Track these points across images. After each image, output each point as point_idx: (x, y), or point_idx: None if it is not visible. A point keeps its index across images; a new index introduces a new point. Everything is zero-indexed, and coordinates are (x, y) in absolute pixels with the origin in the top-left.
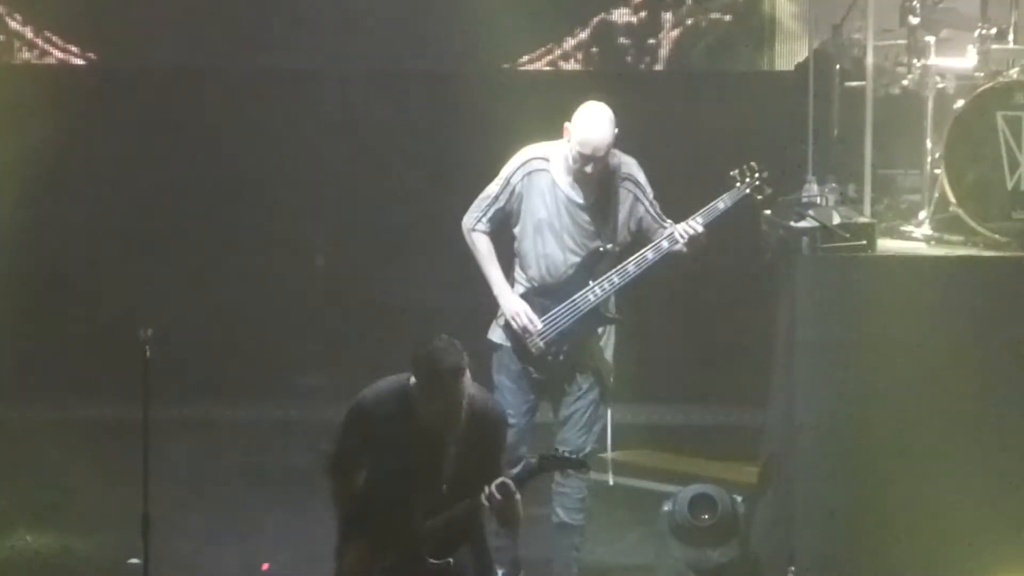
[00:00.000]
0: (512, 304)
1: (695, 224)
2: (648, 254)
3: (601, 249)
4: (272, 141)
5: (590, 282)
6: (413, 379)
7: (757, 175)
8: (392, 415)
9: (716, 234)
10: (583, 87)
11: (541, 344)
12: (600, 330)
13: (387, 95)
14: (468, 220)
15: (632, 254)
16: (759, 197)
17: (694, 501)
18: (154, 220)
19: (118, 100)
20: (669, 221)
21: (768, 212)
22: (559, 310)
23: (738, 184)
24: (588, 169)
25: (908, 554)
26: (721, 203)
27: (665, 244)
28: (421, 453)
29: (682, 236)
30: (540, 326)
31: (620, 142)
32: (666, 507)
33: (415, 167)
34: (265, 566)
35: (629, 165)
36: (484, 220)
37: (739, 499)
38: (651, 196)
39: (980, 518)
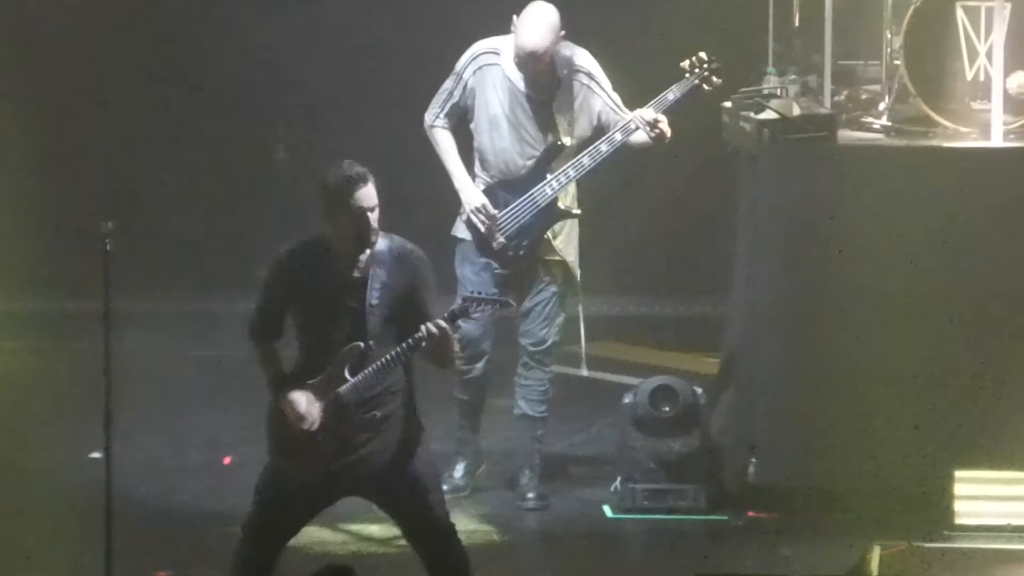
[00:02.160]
0: (472, 198)
1: (645, 113)
2: (602, 146)
3: (558, 143)
4: (233, 30)
5: (547, 176)
6: (324, 214)
7: (706, 65)
8: (311, 263)
9: (676, 126)
10: None
11: (501, 239)
12: (561, 224)
13: None
14: (428, 116)
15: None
16: (707, 88)
17: (655, 393)
18: (115, 112)
19: (82, 5)
20: (628, 113)
21: (729, 104)
22: (517, 204)
23: (687, 75)
24: (528, 67)
25: (868, 445)
26: (671, 94)
27: (618, 136)
28: (343, 300)
29: (635, 126)
30: (500, 220)
31: (577, 33)
32: (627, 399)
33: (372, 59)
34: (227, 460)
35: (582, 56)
36: (442, 116)
37: (700, 391)
38: (609, 88)
39: (939, 408)
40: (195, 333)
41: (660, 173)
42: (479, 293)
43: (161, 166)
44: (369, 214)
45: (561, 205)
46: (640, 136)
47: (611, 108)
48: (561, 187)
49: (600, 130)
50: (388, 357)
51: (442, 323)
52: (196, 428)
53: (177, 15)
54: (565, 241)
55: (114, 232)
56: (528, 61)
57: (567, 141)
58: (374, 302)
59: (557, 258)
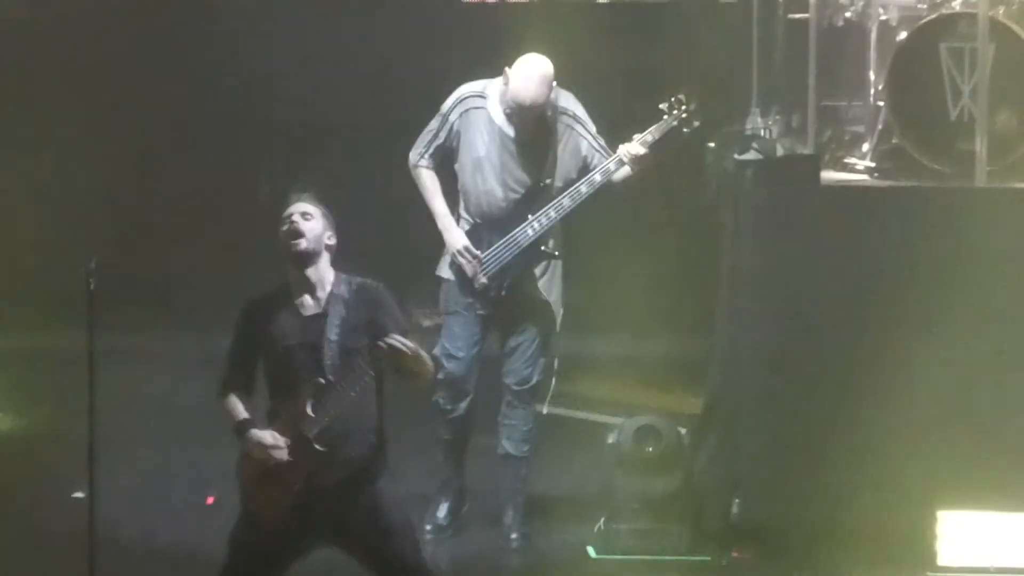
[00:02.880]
0: (456, 239)
1: (632, 148)
2: (583, 187)
3: (541, 184)
4: (217, 69)
5: (528, 216)
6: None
7: (684, 107)
8: (272, 307)
9: (659, 164)
10: (528, 18)
11: (483, 279)
12: (543, 266)
13: (335, 24)
14: (412, 155)
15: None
16: (685, 130)
17: (639, 432)
18: (100, 150)
19: (66, 30)
20: (613, 153)
21: (712, 144)
22: (499, 245)
23: (665, 116)
24: (521, 119)
25: (851, 485)
26: (649, 135)
27: (598, 177)
28: (302, 338)
29: (615, 167)
30: (483, 261)
31: (563, 74)
32: (611, 439)
33: (361, 97)
34: (210, 500)
35: (567, 99)
36: (427, 156)
37: (683, 430)
38: (594, 131)
39: (922, 449)
40: (180, 372)
41: (643, 211)
42: (424, 310)
43: (144, 204)
44: (297, 216)
45: (543, 247)
46: (623, 172)
47: (596, 150)
48: (543, 228)
49: (585, 171)
50: (349, 388)
51: (396, 337)
52: (179, 468)
53: (163, 52)
54: (548, 280)
55: (98, 270)
56: (522, 113)
57: (549, 182)
58: (333, 337)
59: (541, 297)
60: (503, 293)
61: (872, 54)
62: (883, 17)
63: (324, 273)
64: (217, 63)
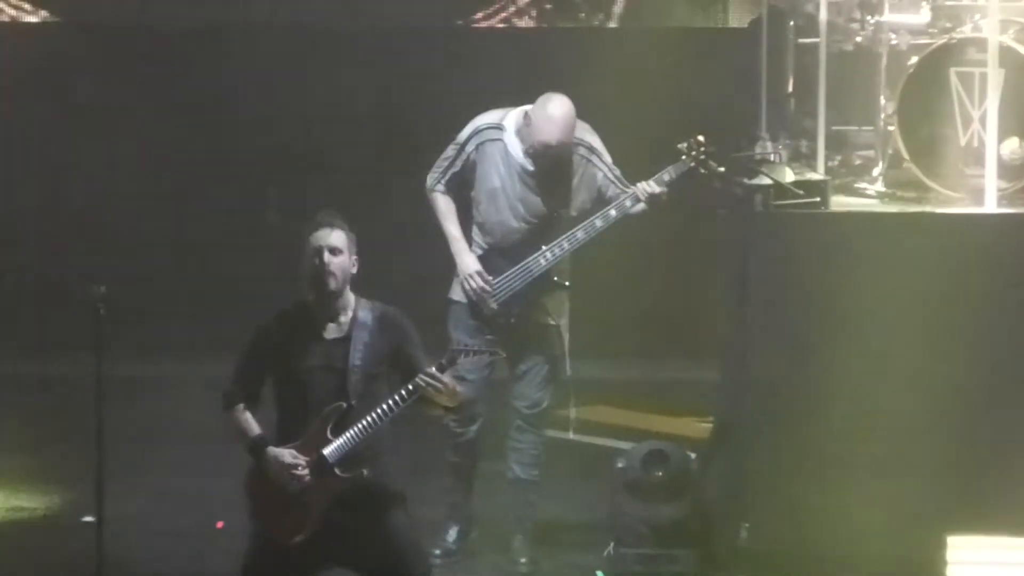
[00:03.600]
0: (468, 264)
1: (649, 187)
2: (597, 221)
3: (555, 215)
4: (224, 97)
5: (542, 246)
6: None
7: (703, 149)
8: (293, 327)
9: (669, 189)
10: (537, 44)
11: (494, 306)
12: (552, 292)
13: (342, 52)
14: (429, 180)
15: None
16: (703, 171)
17: (647, 457)
18: (109, 175)
19: (74, 54)
20: (630, 187)
21: (722, 169)
22: (511, 273)
23: (683, 156)
24: (544, 157)
25: (860, 510)
26: (666, 174)
27: (613, 212)
28: (325, 361)
29: (631, 203)
30: (493, 287)
31: (574, 101)
32: (620, 464)
33: (368, 125)
34: (220, 524)
35: (583, 129)
36: (443, 182)
37: (692, 455)
38: (609, 161)
39: (932, 473)
40: (188, 396)
41: (652, 237)
42: (467, 345)
43: (151, 230)
44: (327, 254)
45: (555, 277)
46: (638, 207)
47: (612, 181)
48: (555, 258)
49: (600, 201)
50: (378, 413)
51: (435, 371)
52: (188, 492)
53: (171, 81)
54: (558, 306)
55: (106, 296)
56: (547, 152)
57: (563, 212)
58: (357, 362)
59: (550, 322)
60: (512, 320)
61: (882, 79)
62: (893, 42)
63: (347, 299)
64: (223, 89)
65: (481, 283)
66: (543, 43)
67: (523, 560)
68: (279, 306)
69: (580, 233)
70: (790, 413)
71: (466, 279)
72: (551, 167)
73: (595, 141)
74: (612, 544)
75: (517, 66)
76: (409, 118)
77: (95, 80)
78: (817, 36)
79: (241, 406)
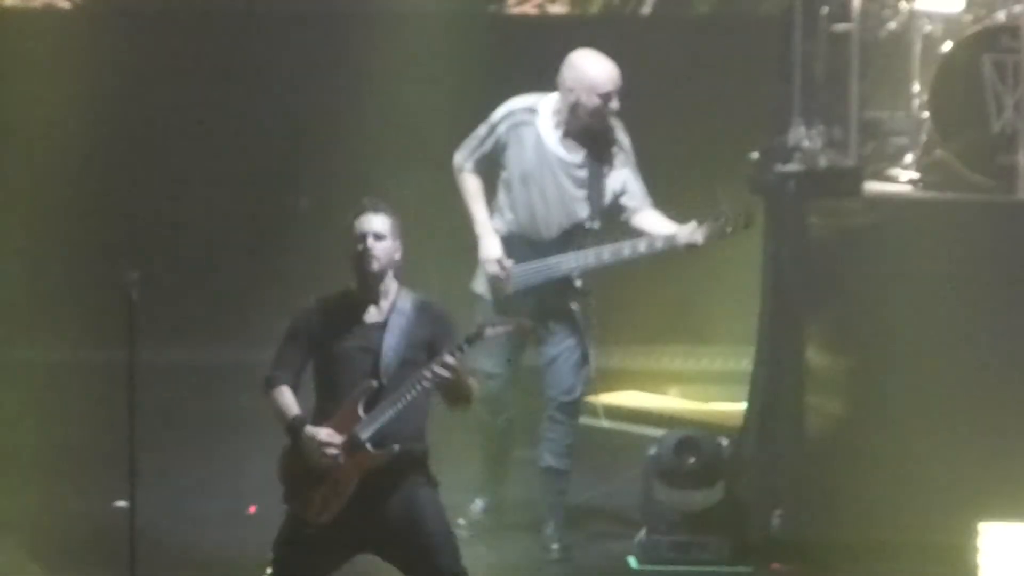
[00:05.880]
0: (491, 248)
1: (695, 235)
2: (625, 250)
3: (586, 225)
4: (256, 81)
5: (569, 250)
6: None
7: (738, 218)
8: (334, 312)
9: None
10: (570, 31)
11: (510, 291)
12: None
13: (373, 36)
14: (458, 158)
15: (614, 233)
16: (729, 230)
17: (679, 444)
18: (138, 161)
19: (102, 41)
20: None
21: (755, 155)
22: (532, 267)
23: (715, 222)
24: (612, 106)
25: (892, 497)
26: (700, 233)
27: (642, 247)
28: (362, 343)
29: (669, 243)
30: (512, 273)
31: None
32: (652, 451)
33: (400, 110)
34: (252, 509)
35: (619, 129)
36: (472, 160)
37: (724, 442)
38: (634, 163)
39: (965, 461)
40: (220, 382)
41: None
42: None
43: (184, 216)
44: (371, 239)
45: (576, 283)
46: (670, 247)
47: (633, 178)
48: (578, 267)
49: (615, 205)
50: (403, 394)
51: (450, 359)
52: (221, 477)
53: (199, 68)
54: (584, 297)
55: (138, 282)
56: (611, 96)
57: (595, 224)
58: (391, 344)
59: (576, 309)
60: (528, 310)
61: (916, 66)
62: (927, 29)
63: (389, 285)
64: (254, 74)
65: (498, 268)
66: (575, 30)
67: (555, 546)
68: (313, 292)
69: (606, 254)
70: (822, 400)
71: (486, 261)
72: (588, 157)
73: (627, 142)
74: (644, 531)
75: (549, 53)
76: (442, 105)
77: (122, 65)
78: (850, 22)
79: (282, 387)
